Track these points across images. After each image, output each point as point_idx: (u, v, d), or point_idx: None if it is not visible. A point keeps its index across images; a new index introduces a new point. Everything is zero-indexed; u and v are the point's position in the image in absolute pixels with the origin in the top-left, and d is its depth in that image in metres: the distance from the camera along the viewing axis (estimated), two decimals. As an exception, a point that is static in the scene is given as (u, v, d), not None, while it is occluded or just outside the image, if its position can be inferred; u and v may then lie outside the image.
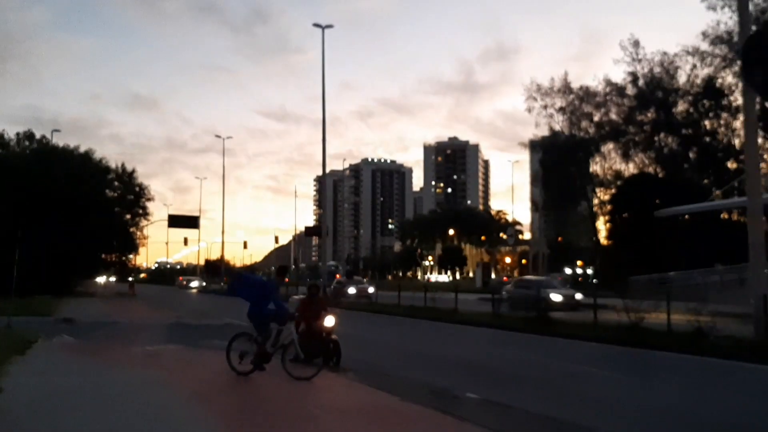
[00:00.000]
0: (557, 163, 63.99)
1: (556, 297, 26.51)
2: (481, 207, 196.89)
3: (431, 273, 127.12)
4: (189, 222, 58.38)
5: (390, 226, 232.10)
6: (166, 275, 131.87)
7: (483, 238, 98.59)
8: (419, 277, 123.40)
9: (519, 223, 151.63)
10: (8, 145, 54.33)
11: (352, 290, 37.73)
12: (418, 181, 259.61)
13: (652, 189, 54.89)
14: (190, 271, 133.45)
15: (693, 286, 27.35)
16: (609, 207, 63.35)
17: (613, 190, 63.70)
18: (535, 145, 70.11)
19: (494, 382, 10.44)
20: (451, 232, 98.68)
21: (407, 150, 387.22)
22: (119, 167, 56.20)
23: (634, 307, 16.61)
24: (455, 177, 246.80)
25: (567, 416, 7.82)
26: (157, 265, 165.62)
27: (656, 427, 7.76)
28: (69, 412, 7.29)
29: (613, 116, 61.86)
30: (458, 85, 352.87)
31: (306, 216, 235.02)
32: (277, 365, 9.75)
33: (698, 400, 9.39)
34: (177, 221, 57.26)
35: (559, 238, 75.91)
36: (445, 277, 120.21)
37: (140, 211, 55.37)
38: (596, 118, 63.65)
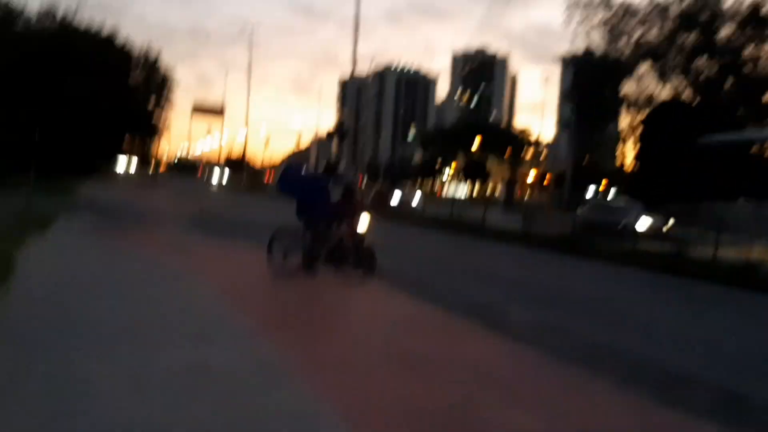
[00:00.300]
0: (590, 81, 62.42)
1: (642, 224, 23.75)
2: (504, 122, 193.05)
3: (450, 185, 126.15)
4: (213, 111, 57.04)
5: (411, 135, 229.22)
6: (187, 166, 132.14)
7: (507, 153, 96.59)
8: (437, 189, 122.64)
9: (543, 142, 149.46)
10: (29, 23, 52.78)
11: (396, 199, 35.15)
12: (442, 93, 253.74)
13: (687, 115, 53.01)
14: (211, 164, 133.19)
15: (735, 217, 25.70)
16: (640, 130, 61.88)
17: (646, 114, 61.99)
18: (568, 62, 67.82)
19: (536, 301, 9.80)
20: (476, 143, 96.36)
21: (433, 58, 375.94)
22: (143, 52, 54.74)
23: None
24: (481, 90, 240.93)
25: (620, 343, 7.23)
26: (177, 158, 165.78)
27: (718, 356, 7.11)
28: (88, 303, 6.72)
29: (652, 37, 59.29)
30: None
31: (327, 119, 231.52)
32: (320, 269, 9.20)
33: (747, 332, 8.72)
34: (201, 110, 55.99)
35: (586, 159, 74.19)
36: (464, 191, 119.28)
37: (164, 99, 54.35)
38: (634, 38, 61.06)
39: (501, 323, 7.46)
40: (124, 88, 48.43)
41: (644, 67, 61.94)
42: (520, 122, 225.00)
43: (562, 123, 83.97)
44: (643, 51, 60.97)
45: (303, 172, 9.47)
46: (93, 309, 6.19)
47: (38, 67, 39.87)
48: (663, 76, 60.55)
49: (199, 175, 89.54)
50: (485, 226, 23.88)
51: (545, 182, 68.32)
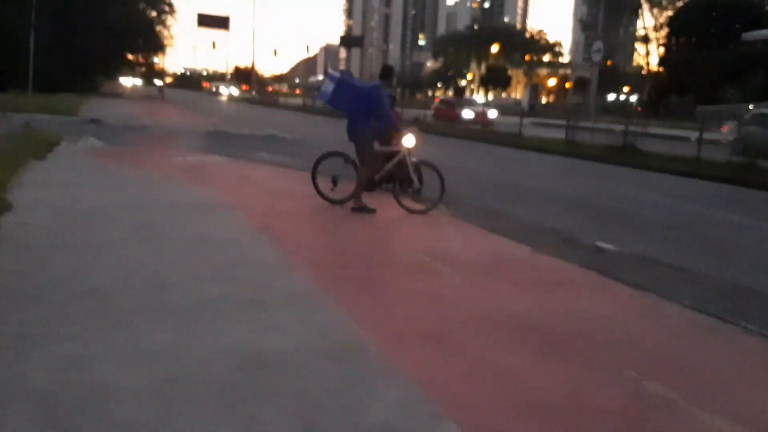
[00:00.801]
0: None
1: None
2: (519, 26, 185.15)
3: (469, 93, 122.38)
4: (219, 22, 53.57)
5: (420, 42, 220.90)
6: (193, 81, 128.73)
7: (527, 57, 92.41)
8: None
9: (559, 44, 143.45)
10: None
11: (467, 114, 30.28)
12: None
13: (718, 12, 49.69)
14: (217, 77, 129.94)
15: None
16: (665, 30, 58.74)
17: (671, 12, 58.65)
18: None
19: (613, 225, 8.24)
20: (494, 49, 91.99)
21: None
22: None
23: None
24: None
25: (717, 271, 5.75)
26: (184, 69, 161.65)
27: None
28: (97, 243, 5.22)
29: None
30: None
31: (333, 27, 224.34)
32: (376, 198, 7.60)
33: None
34: (206, 21, 52.50)
35: (608, 62, 70.64)
36: (481, 98, 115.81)
37: (166, 8, 51.25)
38: None
39: (593, 260, 5.93)
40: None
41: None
42: (534, 24, 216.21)
43: (583, 23, 79.63)
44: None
45: (356, 84, 7.60)
46: (99, 252, 4.72)
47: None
48: None
49: (205, 87, 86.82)
50: (521, 135, 22.12)
51: (568, 85, 65.36)
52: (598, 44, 22.18)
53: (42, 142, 11.65)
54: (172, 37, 54.88)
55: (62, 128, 15.74)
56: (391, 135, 7.66)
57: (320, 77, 79.31)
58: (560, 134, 22.00)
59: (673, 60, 56.35)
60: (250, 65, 72.63)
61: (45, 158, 9.86)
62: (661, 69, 60.14)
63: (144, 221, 6.21)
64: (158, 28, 51.74)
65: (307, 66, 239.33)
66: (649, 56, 67.68)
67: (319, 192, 7.71)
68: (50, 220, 5.97)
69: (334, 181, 7.58)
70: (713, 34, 51.71)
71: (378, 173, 7.59)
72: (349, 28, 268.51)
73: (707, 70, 48.45)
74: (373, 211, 7.35)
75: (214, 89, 77.64)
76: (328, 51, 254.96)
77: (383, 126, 7.46)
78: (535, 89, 59.08)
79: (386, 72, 7.68)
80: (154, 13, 52.21)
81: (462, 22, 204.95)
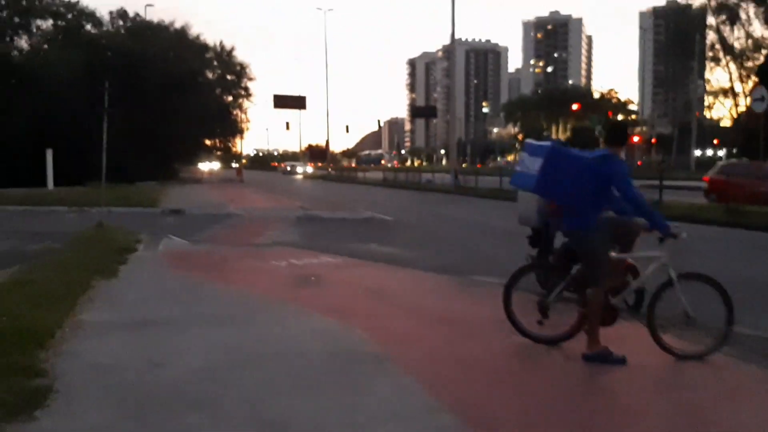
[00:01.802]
0: (683, 32, 56.91)
1: None
2: (584, 86, 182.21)
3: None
4: (295, 102, 53.16)
5: (485, 110, 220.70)
6: (265, 161, 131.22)
7: (609, 114, 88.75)
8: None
9: (630, 101, 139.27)
10: (101, 23, 50.73)
11: None
12: (513, 63, 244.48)
13: None
14: (289, 157, 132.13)
15: None
16: (754, 79, 55.00)
17: (759, 60, 54.97)
18: (656, 14, 62.44)
19: None
20: (575, 107, 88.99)
21: (495, 30, 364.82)
22: (218, 45, 51.83)
23: None
24: (556, 55, 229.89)
25: None
26: (255, 151, 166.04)
27: None
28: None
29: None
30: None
31: (397, 101, 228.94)
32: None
33: None
34: (283, 101, 52.16)
35: (696, 114, 66.39)
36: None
37: (242, 92, 51.34)
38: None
39: None
40: (202, 81, 45.61)
41: (749, 10, 54.99)
42: (599, 85, 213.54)
43: (659, 80, 76.18)
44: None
45: (575, 154, 4.78)
46: None
47: (113, 62, 37.41)
48: None
49: (277, 166, 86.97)
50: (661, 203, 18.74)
51: (653, 141, 61.28)
52: (760, 91, 19.07)
53: (115, 247, 9.51)
54: (248, 121, 54.96)
55: (141, 223, 13.83)
56: (634, 232, 4.87)
57: (370, 152, 78.67)
58: (692, 198, 18.65)
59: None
60: (321, 143, 72.81)
61: (116, 275, 7.58)
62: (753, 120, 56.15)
63: (264, 405, 3.62)
64: (235, 111, 51.80)
65: (374, 139, 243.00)
66: (737, 108, 63.62)
67: (517, 326, 4.97)
68: (110, 419, 3.44)
69: (544, 310, 4.83)
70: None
71: (617, 293, 4.79)
72: (412, 101, 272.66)
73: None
74: (622, 361, 4.50)
75: (288, 168, 77.52)
76: (393, 124, 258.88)
77: (629, 216, 4.72)
78: (632, 149, 55.34)
79: (618, 133, 4.91)
80: (230, 98, 52.44)
81: (525, 88, 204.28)
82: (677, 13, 63.18)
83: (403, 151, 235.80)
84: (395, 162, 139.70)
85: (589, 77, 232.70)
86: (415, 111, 50.93)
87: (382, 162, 60.45)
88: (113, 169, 26.42)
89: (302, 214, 17.05)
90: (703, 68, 61.83)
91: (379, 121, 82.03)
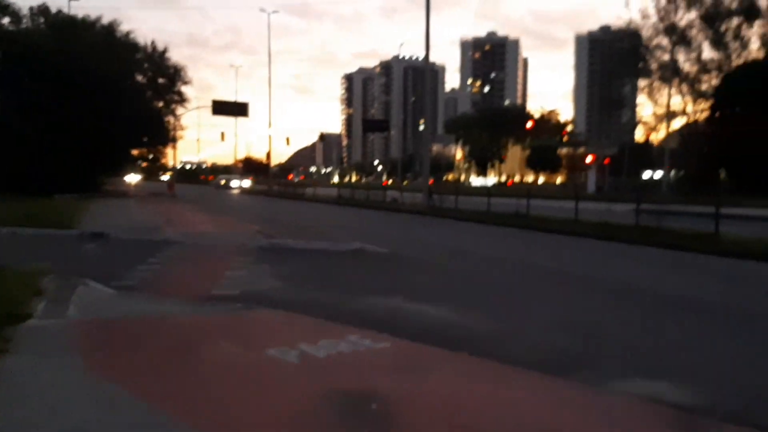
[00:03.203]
0: (630, 54, 57.00)
1: None
2: (519, 106, 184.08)
3: (479, 176, 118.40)
4: (237, 109, 48.00)
5: (421, 127, 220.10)
6: (195, 174, 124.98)
7: (564, 133, 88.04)
8: (462, 180, 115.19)
9: (571, 122, 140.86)
10: (20, 20, 45.09)
11: None
12: (449, 82, 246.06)
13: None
14: (221, 170, 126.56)
15: None
16: (707, 102, 54.98)
17: (713, 81, 55.04)
18: (585, 41, 62.37)
19: None
20: (529, 124, 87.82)
21: (433, 49, 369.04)
22: (149, 45, 47.10)
23: None
24: (493, 75, 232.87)
25: None
26: (182, 163, 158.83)
27: None
28: None
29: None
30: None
31: (331, 117, 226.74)
32: None
33: None
34: (223, 108, 46.96)
35: (648, 136, 65.89)
36: (492, 181, 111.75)
37: (176, 97, 46.71)
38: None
39: None
40: (130, 84, 40.87)
41: (697, 35, 55.15)
42: (534, 106, 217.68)
43: (597, 102, 75.93)
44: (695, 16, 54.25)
45: None
46: None
47: (32, 62, 32.53)
48: (719, 42, 53.79)
49: (206, 179, 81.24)
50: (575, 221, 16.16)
51: (606, 162, 60.23)
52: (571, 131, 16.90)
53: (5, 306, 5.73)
54: (183, 128, 50.21)
55: (50, 252, 9.99)
56: None
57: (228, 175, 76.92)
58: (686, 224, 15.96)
59: (721, 133, 52.32)
60: (258, 155, 68.32)
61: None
62: (705, 143, 55.99)
63: None
64: (167, 118, 47.08)
65: (307, 155, 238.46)
66: (686, 129, 63.97)
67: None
68: None
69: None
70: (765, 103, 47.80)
71: None
72: (348, 116, 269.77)
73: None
74: None
75: (222, 182, 72.64)
76: (327, 139, 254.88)
77: None
78: (603, 169, 53.37)
79: None
80: (161, 103, 47.72)
81: (462, 107, 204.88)
82: (617, 36, 62.89)
83: (330, 168, 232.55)
84: (301, 176, 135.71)
85: (524, 98, 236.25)
86: (366, 125, 48.21)
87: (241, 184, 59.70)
88: (25, 179, 21.99)
89: (266, 243, 13.37)
90: (650, 90, 61.35)
91: (322, 134, 77.98)
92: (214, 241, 14.02)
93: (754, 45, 54.16)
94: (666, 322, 6.75)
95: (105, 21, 42.87)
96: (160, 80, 46.99)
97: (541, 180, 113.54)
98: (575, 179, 71.60)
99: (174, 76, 46.76)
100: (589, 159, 60.84)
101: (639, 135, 69.46)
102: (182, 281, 9.07)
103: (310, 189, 44.45)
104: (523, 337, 5.86)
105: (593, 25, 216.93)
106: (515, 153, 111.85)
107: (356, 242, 12.74)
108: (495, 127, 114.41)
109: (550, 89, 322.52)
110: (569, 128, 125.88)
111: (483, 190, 30.07)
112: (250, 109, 46.20)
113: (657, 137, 72.91)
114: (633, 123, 78.43)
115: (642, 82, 60.23)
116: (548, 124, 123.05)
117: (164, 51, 47.16)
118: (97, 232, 14.43)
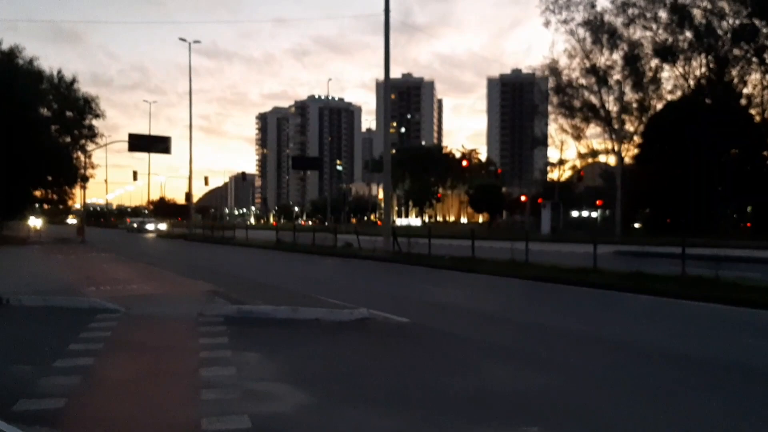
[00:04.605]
0: (550, 94, 57.46)
1: None
2: (435, 146, 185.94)
3: (404, 216, 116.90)
4: (157, 144, 42.60)
5: (338, 167, 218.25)
6: (104, 216, 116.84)
7: (499, 171, 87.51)
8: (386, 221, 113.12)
9: (494, 163, 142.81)
10: None
11: None
12: (365, 122, 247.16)
13: (697, 120, 46.58)
14: (129, 212, 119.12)
15: None
16: (635, 140, 55.82)
17: (643, 119, 55.91)
18: (503, 80, 62.51)
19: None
20: (464, 163, 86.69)
21: (344, 91, 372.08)
22: (55, 75, 42.31)
23: None
24: (409, 116, 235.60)
25: None
26: (87, 205, 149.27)
27: None
28: None
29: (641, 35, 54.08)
30: (396, 25, 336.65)
31: (244, 157, 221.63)
32: None
33: None
34: (140, 143, 41.38)
35: (580, 175, 65.98)
36: (416, 221, 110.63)
37: (86, 132, 41.88)
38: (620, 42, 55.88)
39: None
40: (32, 117, 36.07)
41: (623, 72, 56.16)
42: (450, 145, 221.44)
43: (533, 141, 76.19)
44: (627, 54, 55.17)
45: None
46: None
47: None
48: (654, 80, 54.90)
49: (126, 223, 75.89)
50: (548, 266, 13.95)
51: (540, 201, 59.67)
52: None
53: None
54: (93, 167, 45.13)
55: None
56: None
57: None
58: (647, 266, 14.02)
59: (650, 171, 53.21)
60: (172, 196, 63.22)
61: None
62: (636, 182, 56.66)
63: None
64: (75, 155, 42.13)
65: (219, 195, 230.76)
66: (611, 168, 64.99)
67: None
68: None
69: None
70: (691, 143, 48.76)
71: None
72: (263, 156, 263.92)
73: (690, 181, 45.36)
74: None
75: (135, 225, 67.10)
76: (239, 179, 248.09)
77: None
78: (557, 207, 52.03)
79: None
80: (68, 139, 42.82)
81: (379, 146, 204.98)
82: (531, 79, 63.37)
83: (252, 208, 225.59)
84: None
85: (440, 138, 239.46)
86: (297, 162, 44.98)
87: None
88: None
89: (233, 311, 10.03)
90: (574, 129, 61.64)
91: (244, 173, 73.45)
92: (159, 308, 10.54)
93: (669, 85, 55.53)
94: None
95: (5, 46, 38.00)
96: (68, 113, 42.19)
97: (463, 220, 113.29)
98: (513, 219, 70.93)
99: (83, 108, 42.06)
100: (522, 198, 60.12)
101: (563, 174, 69.77)
102: (137, 400, 5.63)
103: (238, 232, 40.51)
104: None
105: (494, 71, 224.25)
106: (449, 193, 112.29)
107: (360, 308, 9.62)
108: (419, 167, 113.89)
109: (460, 129, 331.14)
110: (493, 167, 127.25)
111: (424, 231, 27.53)
112: (161, 148, 41.80)
113: (580, 176, 73.80)
114: (553, 162, 79.07)
115: (563, 122, 60.34)
116: (471, 163, 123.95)
117: (72, 81, 42.55)
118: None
